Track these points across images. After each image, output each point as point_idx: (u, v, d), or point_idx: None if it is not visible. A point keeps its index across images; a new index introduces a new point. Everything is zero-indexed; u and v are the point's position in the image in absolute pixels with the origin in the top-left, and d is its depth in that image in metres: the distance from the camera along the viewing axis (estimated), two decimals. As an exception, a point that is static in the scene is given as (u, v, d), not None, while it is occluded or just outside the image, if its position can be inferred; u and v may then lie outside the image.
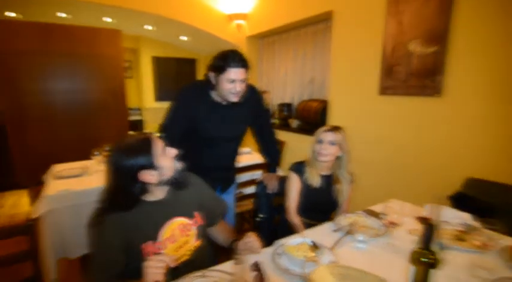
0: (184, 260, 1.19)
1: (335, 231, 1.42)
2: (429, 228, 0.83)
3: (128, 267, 1.08)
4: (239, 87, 1.54)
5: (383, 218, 1.36)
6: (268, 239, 1.31)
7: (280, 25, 4.01)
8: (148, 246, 1.10)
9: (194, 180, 1.35)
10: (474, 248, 1.24)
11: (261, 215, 1.92)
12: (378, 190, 2.85)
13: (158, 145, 1.11)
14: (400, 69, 2.49)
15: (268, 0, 4.17)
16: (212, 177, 1.71)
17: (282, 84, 4.60)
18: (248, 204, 2.70)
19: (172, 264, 0.96)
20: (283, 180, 1.86)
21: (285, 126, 4.26)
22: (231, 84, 1.53)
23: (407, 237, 1.35)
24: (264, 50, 4.90)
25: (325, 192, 1.72)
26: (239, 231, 1.26)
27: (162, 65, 6.96)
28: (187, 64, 7.24)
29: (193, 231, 1.24)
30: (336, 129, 1.65)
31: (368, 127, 2.90)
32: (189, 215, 1.24)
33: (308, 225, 1.63)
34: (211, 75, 1.57)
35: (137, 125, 7.05)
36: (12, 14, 4.52)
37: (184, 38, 5.97)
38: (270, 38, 4.68)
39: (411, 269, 0.86)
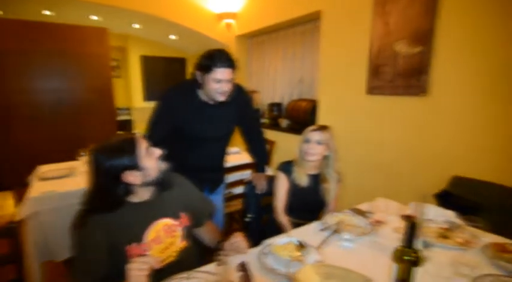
0: (170, 261, 1.18)
1: (322, 230, 1.42)
2: (411, 226, 0.84)
3: (113, 269, 1.06)
4: (226, 87, 1.53)
5: (369, 216, 1.37)
6: (257, 239, 1.31)
7: (269, 25, 4.02)
8: (133, 248, 1.09)
9: (180, 181, 1.34)
10: (457, 245, 1.26)
11: (250, 215, 1.92)
12: (366, 189, 2.88)
13: (142, 145, 1.09)
14: (386, 69, 2.51)
15: (257, 0, 4.17)
16: (200, 178, 1.70)
17: (272, 84, 4.60)
18: (237, 204, 2.69)
19: (157, 266, 0.95)
20: (271, 180, 1.86)
21: (275, 125, 4.27)
22: (218, 84, 1.52)
23: (393, 235, 1.37)
24: (254, 50, 4.89)
25: (313, 191, 1.73)
26: (228, 232, 1.25)
27: (150, 64, 6.90)
28: (177, 63, 7.19)
29: (179, 232, 1.23)
30: (323, 128, 1.66)
31: (356, 126, 2.93)
32: (175, 216, 1.23)
33: (296, 225, 1.63)
34: (198, 74, 1.56)
35: (126, 125, 6.97)
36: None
37: (173, 37, 5.92)
38: (259, 37, 4.68)
39: (394, 267, 0.87)
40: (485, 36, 1.97)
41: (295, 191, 1.70)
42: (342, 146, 2.92)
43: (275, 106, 4.38)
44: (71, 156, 2.72)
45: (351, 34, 2.86)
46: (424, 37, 2.22)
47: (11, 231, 1.37)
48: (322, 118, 3.34)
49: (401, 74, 2.41)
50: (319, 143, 1.62)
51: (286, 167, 1.73)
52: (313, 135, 1.63)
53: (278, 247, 1.20)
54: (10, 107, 3.62)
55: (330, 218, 1.53)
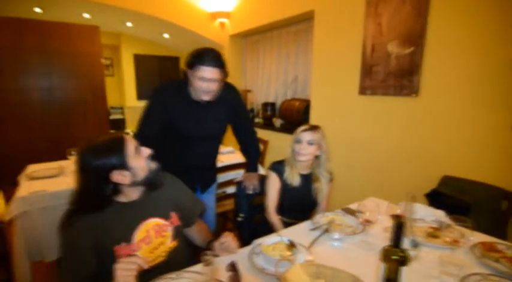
0: (159, 261, 1.17)
1: (312, 230, 1.43)
2: (398, 226, 0.84)
3: (102, 269, 1.05)
4: (210, 87, 1.52)
5: (359, 216, 1.38)
6: (249, 239, 1.31)
7: (262, 24, 4.01)
8: (121, 248, 1.08)
9: (170, 180, 1.33)
10: (446, 244, 1.27)
11: (242, 215, 1.91)
12: (358, 188, 2.89)
13: (131, 145, 1.08)
14: (379, 69, 2.53)
15: (250, -1, 4.17)
16: (192, 177, 1.70)
17: (266, 83, 4.60)
18: (231, 204, 2.68)
19: (145, 266, 0.94)
20: (263, 180, 1.86)
21: (269, 125, 4.27)
22: (202, 83, 1.51)
23: (383, 234, 1.38)
24: (248, 49, 4.89)
25: (305, 191, 1.73)
26: (222, 231, 1.25)
27: (144, 63, 6.85)
28: (170, 62, 7.15)
29: (169, 232, 1.22)
30: (314, 128, 1.65)
31: (348, 126, 2.94)
32: (165, 216, 1.22)
33: (287, 224, 1.64)
34: (187, 71, 1.55)
35: (119, 124, 6.93)
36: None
37: (167, 36, 5.88)
38: (253, 37, 4.68)
39: (382, 267, 0.88)
40: (475, 38, 1.99)
41: (286, 191, 1.70)
42: (334, 146, 2.94)
43: (269, 106, 4.38)
44: (63, 156, 2.69)
45: (344, 34, 2.87)
46: (416, 38, 2.24)
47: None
48: (314, 118, 3.35)
49: (392, 74, 2.43)
50: (310, 143, 1.62)
51: (278, 167, 1.73)
52: (304, 136, 1.63)
53: (267, 247, 1.19)
54: (1, 106, 3.57)
55: (321, 218, 1.53)
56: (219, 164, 2.43)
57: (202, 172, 1.87)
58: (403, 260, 0.85)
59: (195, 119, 1.66)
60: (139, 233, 1.13)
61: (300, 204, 1.75)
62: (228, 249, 1.19)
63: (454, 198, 1.97)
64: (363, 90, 2.71)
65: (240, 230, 1.90)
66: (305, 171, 1.74)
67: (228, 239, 1.18)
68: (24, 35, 3.56)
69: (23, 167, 2.63)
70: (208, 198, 1.95)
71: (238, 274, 1.05)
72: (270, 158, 2.89)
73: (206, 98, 1.57)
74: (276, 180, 1.70)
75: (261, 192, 1.85)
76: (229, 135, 2.01)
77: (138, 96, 6.93)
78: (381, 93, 2.55)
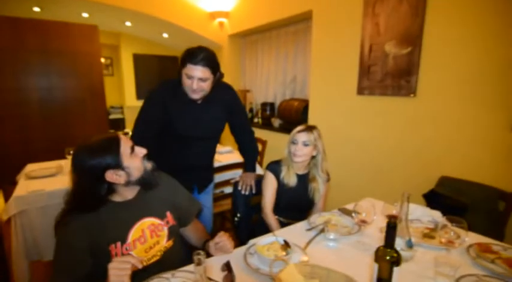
0: (154, 260, 1.18)
1: (308, 230, 1.43)
2: (391, 227, 0.84)
3: (97, 268, 1.05)
4: (196, 85, 1.51)
5: (354, 216, 1.38)
6: (246, 239, 1.32)
7: (261, 24, 4.01)
8: (116, 248, 1.08)
9: (166, 180, 1.33)
10: (442, 245, 1.27)
11: (239, 215, 1.91)
12: (355, 188, 2.89)
13: (126, 144, 1.08)
14: (376, 69, 2.53)
15: (249, -1, 4.17)
16: (188, 177, 1.71)
17: (265, 83, 4.61)
18: (229, 204, 2.67)
19: (139, 266, 0.94)
20: (260, 180, 1.86)
21: (268, 125, 4.27)
22: (189, 80, 1.51)
23: (378, 235, 1.38)
24: (247, 49, 4.89)
25: (301, 191, 1.73)
26: (221, 231, 1.25)
27: (143, 62, 6.84)
28: (169, 61, 7.13)
29: (165, 231, 1.22)
30: (309, 129, 1.64)
31: (346, 127, 2.94)
32: (160, 216, 1.22)
33: (284, 224, 1.64)
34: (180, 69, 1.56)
35: (119, 124, 6.92)
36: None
37: (166, 36, 5.88)
38: (252, 36, 4.68)
39: (375, 267, 0.88)
40: (473, 38, 1.99)
41: (283, 191, 1.70)
42: (332, 146, 2.95)
43: (268, 106, 4.38)
44: (62, 155, 2.70)
45: (343, 34, 2.87)
46: (413, 38, 2.24)
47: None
48: (313, 118, 3.35)
49: (390, 74, 2.43)
50: (305, 144, 1.61)
51: (275, 167, 1.73)
52: (300, 137, 1.62)
53: (262, 247, 1.20)
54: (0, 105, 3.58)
55: (317, 218, 1.53)
56: (217, 164, 2.44)
57: (200, 172, 1.87)
58: (396, 261, 0.86)
59: (192, 119, 1.66)
60: (134, 233, 1.13)
61: (296, 205, 1.75)
62: (223, 249, 1.19)
63: (451, 198, 1.97)
64: (360, 90, 2.71)
65: (237, 230, 1.90)
66: (302, 172, 1.74)
67: (223, 239, 1.18)
68: (23, 35, 3.56)
69: (22, 166, 2.64)
70: (205, 199, 1.95)
71: (233, 274, 1.06)
72: (269, 158, 2.89)
73: (195, 96, 1.57)
74: (273, 180, 1.70)
75: (258, 192, 1.85)
76: (228, 135, 2.01)
77: (137, 95, 6.93)
78: (379, 93, 2.55)
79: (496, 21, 1.89)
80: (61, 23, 3.81)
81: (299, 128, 1.67)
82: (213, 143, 1.87)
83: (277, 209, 1.73)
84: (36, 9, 4.41)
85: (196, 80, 1.50)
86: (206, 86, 1.55)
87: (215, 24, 4.69)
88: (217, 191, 2.62)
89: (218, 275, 1.07)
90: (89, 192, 1.04)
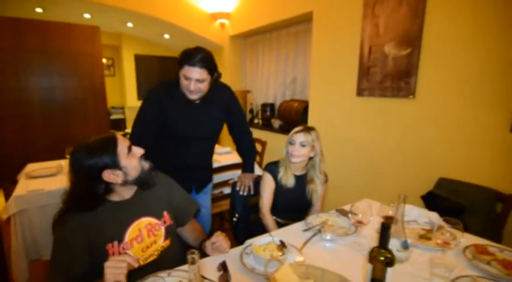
0: (151, 260, 1.18)
1: (305, 230, 1.43)
2: (385, 228, 0.85)
3: (95, 267, 1.06)
4: (193, 86, 1.52)
5: (351, 217, 1.38)
6: (244, 239, 1.32)
7: (262, 25, 4.02)
8: (113, 247, 1.09)
9: (164, 180, 1.34)
10: (437, 246, 1.27)
11: (237, 215, 1.92)
12: (354, 189, 2.90)
13: (123, 144, 1.09)
14: (376, 70, 2.53)
15: (250, 0, 4.18)
16: (187, 177, 1.72)
17: (265, 84, 4.61)
18: (228, 204, 2.68)
19: (135, 265, 0.94)
20: (259, 180, 1.86)
21: (268, 126, 4.28)
22: (186, 82, 1.52)
23: (374, 235, 1.38)
24: (248, 50, 4.90)
25: (299, 192, 1.73)
26: (220, 231, 1.26)
27: (144, 63, 6.88)
28: (171, 62, 7.15)
29: (162, 231, 1.23)
30: (307, 130, 1.65)
31: (346, 128, 2.95)
32: (158, 215, 1.23)
33: (282, 225, 1.64)
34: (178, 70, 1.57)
35: (120, 124, 6.95)
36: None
37: (167, 36, 5.90)
38: (253, 37, 4.69)
39: (369, 267, 0.88)
40: (471, 39, 1.99)
41: (281, 192, 1.71)
42: (332, 147, 2.96)
43: (268, 106, 4.38)
44: (63, 155, 2.71)
45: (343, 35, 2.87)
46: (412, 39, 2.24)
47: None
48: (313, 119, 3.35)
49: (390, 75, 2.43)
50: (302, 145, 1.61)
51: (273, 168, 1.73)
52: (297, 137, 1.63)
53: (258, 247, 1.20)
54: (1, 105, 3.60)
55: (314, 219, 1.54)
56: (217, 165, 2.45)
57: (198, 172, 1.88)
58: (390, 261, 0.86)
59: (191, 119, 1.67)
60: (131, 232, 1.14)
61: (294, 205, 1.76)
62: (220, 249, 1.20)
63: (449, 200, 1.97)
64: (360, 92, 2.71)
65: (235, 230, 1.91)
66: (299, 172, 1.74)
67: (220, 238, 1.19)
68: (25, 35, 3.59)
69: (22, 165, 2.66)
70: (204, 199, 1.96)
71: (228, 274, 1.06)
72: (269, 158, 2.90)
73: (192, 97, 1.58)
74: (271, 181, 1.71)
75: (256, 192, 1.86)
76: (227, 136, 2.02)
77: (138, 96, 6.96)
78: (378, 94, 2.55)
79: (496, 21, 1.89)
80: (63, 23, 3.84)
81: (297, 128, 1.67)
82: (212, 143, 1.88)
83: (275, 210, 1.74)
84: (39, 10, 4.44)
85: (194, 81, 1.51)
86: (203, 86, 1.56)
87: (216, 25, 4.70)
88: (217, 191, 2.63)
89: (214, 274, 1.08)
90: (87, 192, 1.05)
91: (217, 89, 1.69)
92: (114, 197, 1.14)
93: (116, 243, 1.10)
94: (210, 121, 1.75)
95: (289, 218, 1.73)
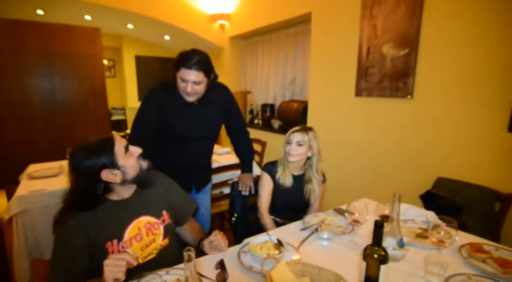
0: (150, 258, 1.20)
1: (302, 229, 1.45)
2: (379, 226, 0.87)
3: (94, 266, 1.08)
4: (190, 88, 1.54)
5: (347, 216, 1.40)
6: (243, 238, 1.33)
7: (261, 26, 4.04)
8: (113, 245, 1.11)
9: (163, 179, 1.36)
10: (433, 245, 1.28)
11: (236, 215, 1.94)
12: (353, 189, 2.91)
13: (120, 144, 1.11)
14: (374, 71, 2.55)
15: (249, 1, 4.20)
16: (186, 177, 1.74)
17: (265, 84, 4.63)
18: (228, 204, 2.70)
19: (134, 263, 0.96)
20: (258, 180, 1.88)
21: (268, 126, 4.29)
22: (183, 84, 1.54)
23: (371, 234, 1.39)
24: (247, 51, 4.92)
25: (297, 192, 1.75)
26: (220, 231, 1.27)
27: (145, 64, 6.89)
28: (171, 63, 7.10)
29: (160, 230, 1.25)
30: (304, 129, 1.66)
31: (345, 128, 2.96)
32: (156, 214, 1.25)
33: (280, 225, 1.65)
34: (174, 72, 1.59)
35: (121, 125, 6.96)
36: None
37: (168, 38, 5.92)
38: (252, 38, 4.71)
39: (363, 265, 0.90)
40: (469, 40, 2.00)
41: (279, 191, 1.72)
42: (331, 147, 2.98)
43: (268, 107, 4.40)
44: (64, 156, 2.72)
45: (341, 36, 2.89)
46: (410, 40, 2.26)
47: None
48: (312, 119, 3.37)
49: (388, 76, 2.44)
50: (299, 144, 1.63)
51: (271, 168, 1.75)
52: (294, 137, 1.64)
53: (255, 246, 1.22)
54: (2, 106, 3.63)
55: (312, 218, 1.55)
56: (216, 165, 2.46)
57: (197, 172, 1.90)
58: (383, 259, 0.88)
59: (189, 119, 1.69)
60: (131, 231, 1.16)
61: (292, 205, 1.77)
62: (217, 248, 1.22)
63: (447, 199, 1.98)
64: (358, 92, 2.73)
65: (234, 229, 1.92)
66: (297, 172, 1.76)
67: (217, 237, 1.21)
68: (26, 37, 3.62)
69: (24, 166, 2.68)
70: (203, 198, 1.98)
71: (226, 272, 1.08)
72: (268, 159, 2.91)
73: (189, 99, 1.60)
74: (269, 181, 1.72)
75: (256, 192, 1.87)
76: (227, 136, 2.04)
77: (139, 97, 6.98)
78: (377, 95, 2.57)
79: (496, 21, 1.89)
80: (64, 25, 3.87)
81: (294, 128, 1.69)
82: (211, 143, 1.89)
83: (273, 210, 1.75)
84: (40, 11, 4.46)
85: (191, 84, 1.53)
86: (200, 88, 1.57)
87: (216, 26, 4.72)
88: (217, 191, 2.64)
89: (212, 273, 1.09)
90: (86, 192, 1.07)
91: (214, 89, 1.71)
92: (114, 196, 1.16)
93: (115, 241, 1.12)
94: (208, 121, 1.77)
95: (287, 217, 1.74)
